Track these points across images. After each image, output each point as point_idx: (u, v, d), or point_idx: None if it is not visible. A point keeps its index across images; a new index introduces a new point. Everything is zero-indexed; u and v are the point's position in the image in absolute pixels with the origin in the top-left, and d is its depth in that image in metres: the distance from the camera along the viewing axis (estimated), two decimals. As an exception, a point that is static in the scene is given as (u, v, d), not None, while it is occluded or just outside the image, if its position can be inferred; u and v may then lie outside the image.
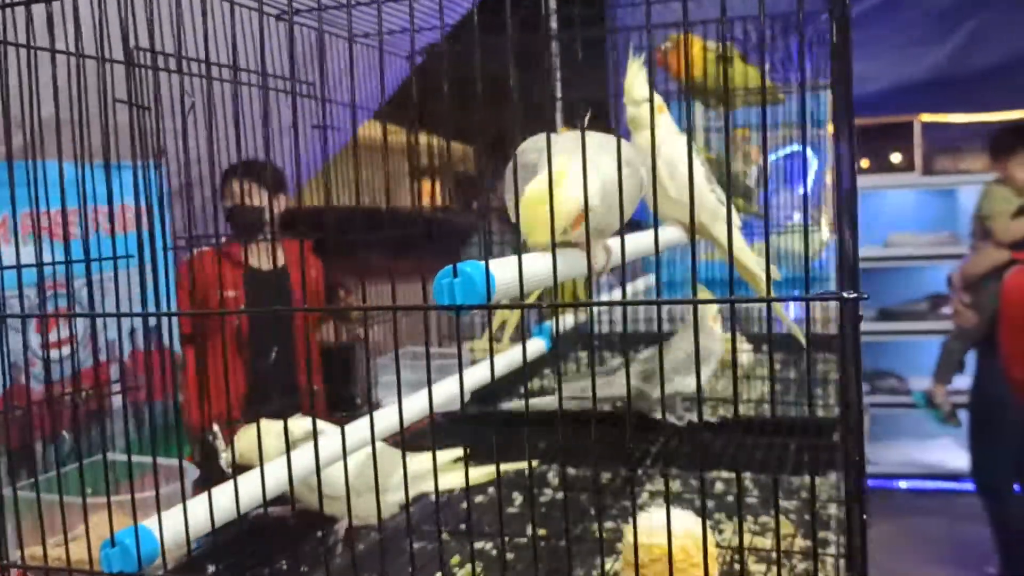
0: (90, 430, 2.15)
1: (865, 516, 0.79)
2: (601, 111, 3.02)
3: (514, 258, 0.95)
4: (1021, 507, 3.88)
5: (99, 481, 2.03)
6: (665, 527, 1.24)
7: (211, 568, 1.45)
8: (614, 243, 1.29)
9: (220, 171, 1.60)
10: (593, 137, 1.11)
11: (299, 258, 3.25)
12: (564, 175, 1.00)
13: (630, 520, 1.74)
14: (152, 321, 1.30)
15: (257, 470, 1.19)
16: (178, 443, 2.90)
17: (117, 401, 2.80)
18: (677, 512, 1.26)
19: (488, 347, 1.58)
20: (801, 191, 4.80)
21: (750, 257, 1.85)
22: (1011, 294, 2.56)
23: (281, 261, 3.31)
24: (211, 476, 1.54)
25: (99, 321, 2.35)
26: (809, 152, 4.69)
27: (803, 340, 1.90)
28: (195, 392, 3.26)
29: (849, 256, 0.75)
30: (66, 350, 2.84)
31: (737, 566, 1.50)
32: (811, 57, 3.10)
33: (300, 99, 1.81)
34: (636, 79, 1.70)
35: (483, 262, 0.86)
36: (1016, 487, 3.91)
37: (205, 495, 1.08)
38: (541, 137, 1.17)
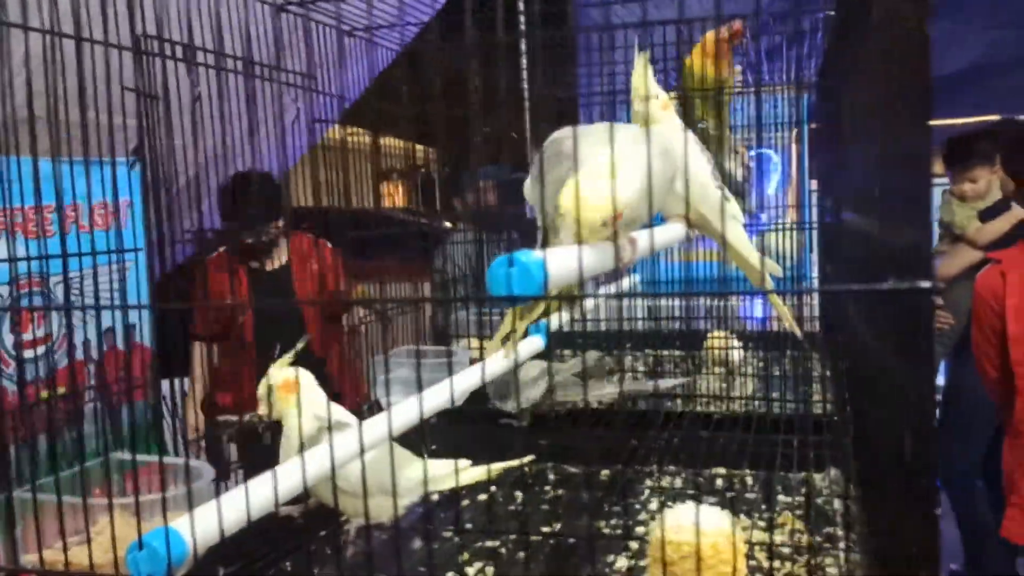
0: (68, 431, 2.10)
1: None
2: (568, 109, 3.02)
3: (558, 250, 0.93)
4: (985, 503, 3.93)
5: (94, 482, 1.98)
6: (689, 524, 1.24)
7: (221, 571, 1.41)
8: (638, 236, 1.28)
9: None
10: (629, 130, 1.10)
11: (305, 255, 3.25)
12: (616, 168, 0.99)
13: (650, 517, 1.75)
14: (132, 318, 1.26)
15: (270, 472, 1.16)
16: (159, 442, 2.86)
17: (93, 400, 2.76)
18: (704, 508, 1.25)
19: (493, 344, 1.57)
20: (773, 189, 4.87)
21: (754, 254, 1.85)
22: (983, 292, 2.59)
23: (285, 259, 3.29)
24: (252, 462, 1.51)
25: (75, 319, 2.30)
26: (773, 155, 4.76)
27: (797, 330, 1.91)
28: (205, 387, 3.29)
29: (926, 246, 0.74)
30: (41, 349, 2.78)
31: (753, 561, 1.50)
32: (793, 58, 3.13)
33: (287, 89, 1.78)
34: (642, 76, 1.69)
35: (538, 253, 0.85)
36: (979, 483, 3.96)
37: (235, 494, 1.04)
38: (570, 129, 1.16)
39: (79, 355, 2.68)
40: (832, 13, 2.16)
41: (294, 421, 1.49)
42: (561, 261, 0.89)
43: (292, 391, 1.49)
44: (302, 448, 1.20)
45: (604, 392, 2.30)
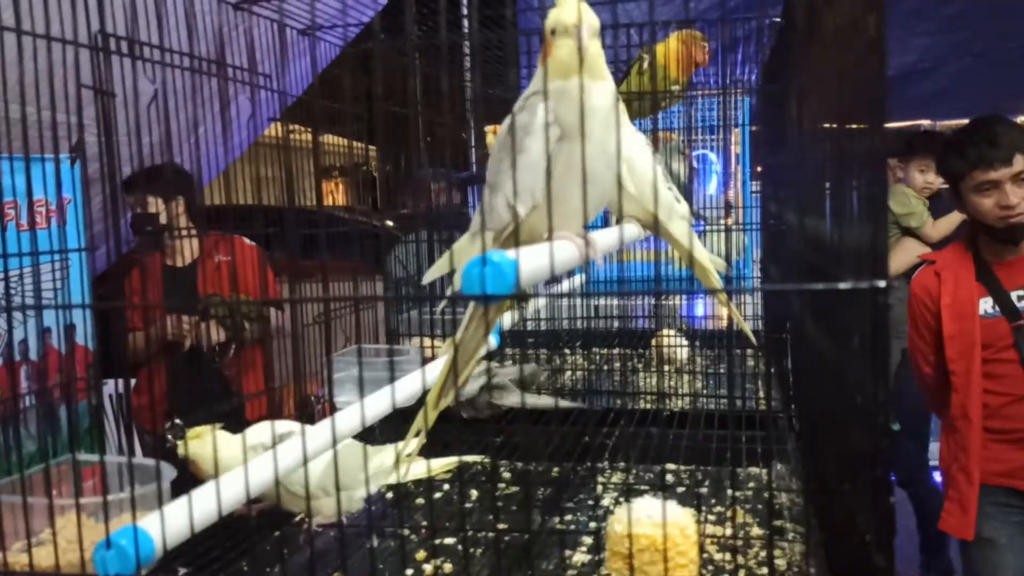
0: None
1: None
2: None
3: (528, 250, 0.95)
4: (941, 500, 4.02)
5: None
6: (646, 517, 1.27)
7: (182, 570, 1.40)
8: (596, 235, 1.31)
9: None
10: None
11: (223, 251, 3.21)
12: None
13: (605, 512, 1.77)
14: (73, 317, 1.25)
15: (240, 471, 1.16)
16: (100, 442, 2.81)
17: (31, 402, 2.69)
18: (661, 502, 1.28)
19: (446, 344, 1.58)
20: (713, 190, 4.95)
21: (705, 254, 1.88)
22: (918, 291, 2.67)
23: (196, 256, 3.26)
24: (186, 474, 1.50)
25: (15, 319, 2.25)
26: (712, 155, 4.84)
27: (752, 336, 1.95)
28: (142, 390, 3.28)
29: (881, 244, 0.77)
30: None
31: (705, 554, 1.53)
32: (738, 61, 3.20)
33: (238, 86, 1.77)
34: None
35: (511, 253, 0.86)
36: (935, 481, 4.03)
37: (203, 492, 1.04)
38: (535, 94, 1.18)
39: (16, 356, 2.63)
40: (778, 19, 2.21)
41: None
42: (532, 260, 0.91)
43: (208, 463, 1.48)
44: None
45: (536, 402, 2.31)
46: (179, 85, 1.62)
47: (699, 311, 4.05)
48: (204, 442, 1.52)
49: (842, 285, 0.78)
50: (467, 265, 0.84)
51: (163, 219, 3.16)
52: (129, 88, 1.42)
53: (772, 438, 2.09)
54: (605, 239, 1.43)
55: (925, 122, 5.22)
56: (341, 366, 2.01)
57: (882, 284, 0.75)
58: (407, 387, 1.63)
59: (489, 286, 0.83)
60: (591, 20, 1.14)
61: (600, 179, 1.23)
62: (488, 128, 3.44)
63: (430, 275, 1.32)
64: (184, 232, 3.28)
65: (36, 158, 1.42)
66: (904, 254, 3.97)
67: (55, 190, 1.38)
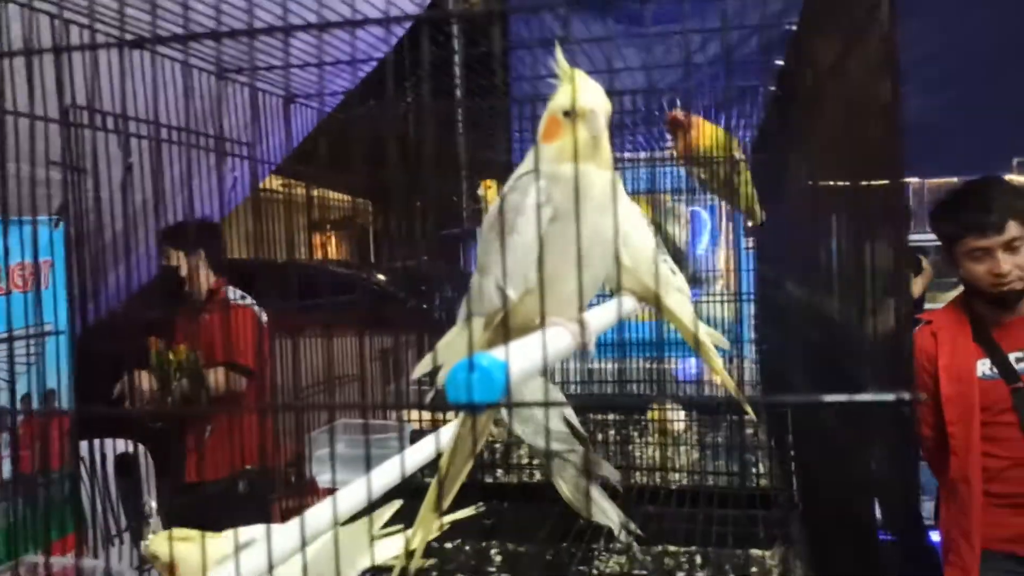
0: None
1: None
2: (505, 173, 3.02)
3: (519, 345, 0.88)
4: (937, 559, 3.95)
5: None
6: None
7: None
8: (589, 316, 1.24)
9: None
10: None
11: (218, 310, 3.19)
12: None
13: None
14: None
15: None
16: (77, 520, 2.70)
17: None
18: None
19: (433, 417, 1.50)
20: (703, 249, 4.89)
21: (703, 330, 1.82)
22: (917, 353, 2.60)
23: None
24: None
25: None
26: (703, 212, 4.79)
27: (749, 409, 1.88)
28: None
29: (905, 350, 0.70)
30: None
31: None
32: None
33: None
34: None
35: (500, 353, 0.79)
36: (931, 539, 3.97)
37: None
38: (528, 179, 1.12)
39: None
40: (772, 88, 2.18)
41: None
42: (524, 357, 0.83)
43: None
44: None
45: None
46: (175, 155, 1.59)
47: (692, 369, 3.95)
48: (190, 546, 1.43)
49: (862, 397, 0.71)
50: (452, 370, 0.77)
51: (183, 271, 3.21)
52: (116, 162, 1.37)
53: (773, 519, 2.01)
54: (602, 319, 1.36)
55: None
56: (322, 443, 1.93)
57: (907, 397, 0.68)
58: (387, 473, 1.54)
59: (477, 393, 0.76)
60: (606, 105, 1.08)
61: (595, 262, 1.17)
62: (485, 183, 3.40)
63: (418, 371, 1.24)
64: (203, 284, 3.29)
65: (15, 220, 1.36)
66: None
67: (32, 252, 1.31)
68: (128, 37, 1.15)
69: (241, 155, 1.70)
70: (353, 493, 1.37)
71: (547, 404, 1.23)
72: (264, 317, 3.22)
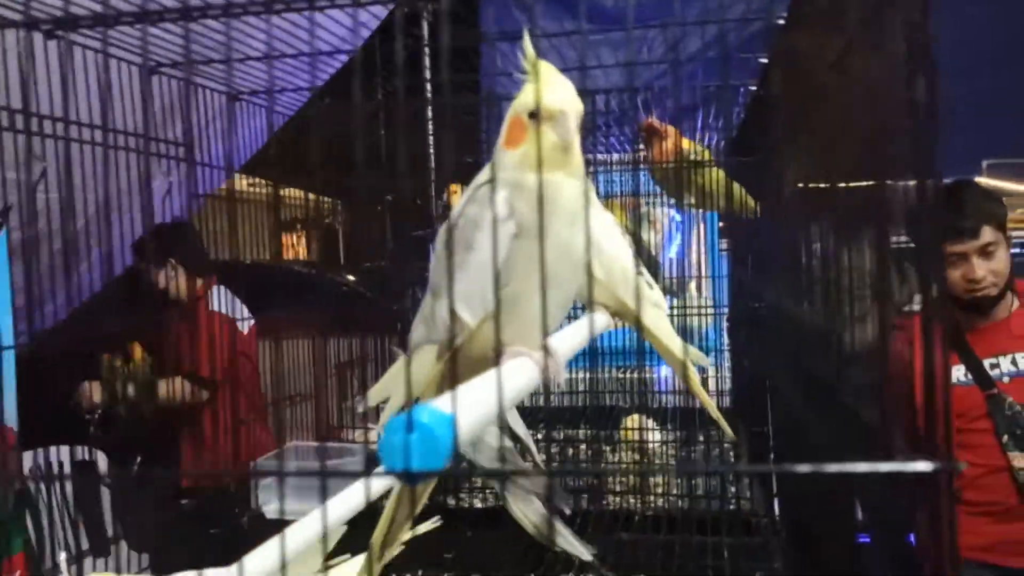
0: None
1: None
2: (473, 172, 2.89)
3: (470, 389, 0.74)
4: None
5: None
6: None
7: None
8: (554, 342, 1.09)
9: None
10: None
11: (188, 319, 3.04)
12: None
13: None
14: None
15: None
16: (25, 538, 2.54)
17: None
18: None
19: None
20: (675, 252, 4.76)
21: (679, 345, 1.69)
22: (895, 359, 2.51)
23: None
24: None
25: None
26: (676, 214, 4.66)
27: (727, 429, 1.75)
28: None
29: (940, 412, 0.57)
30: None
31: None
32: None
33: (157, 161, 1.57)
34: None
35: (446, 404, 0.64)
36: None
37: None
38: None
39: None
40: (753, 87, 2.06)
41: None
42: (476, 405, 0.69)
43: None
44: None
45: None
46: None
47: (669, 378, 3.81)
48: None
49: (885, 467, 0.56)
50: (386, 430, 0.62)
51: (161, 283, 3.06)
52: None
53: (753, 545, 1.89)
54: (571, 343, 1.22)
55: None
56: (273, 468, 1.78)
57: (939, 466, 0.55)
58: (343, 506, 1.39)
59: (416, 459, 0.61)
60: (577, 105, 0.94)
61: (565, 281, 1.04)
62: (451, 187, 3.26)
63: (372, 399, 1.09)
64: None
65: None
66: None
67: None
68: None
69: (176, 156, 1.54)
70: (305, 527, 1.22)
71: (505, 473, 1.08)
72: (246, 325, 3.06)
